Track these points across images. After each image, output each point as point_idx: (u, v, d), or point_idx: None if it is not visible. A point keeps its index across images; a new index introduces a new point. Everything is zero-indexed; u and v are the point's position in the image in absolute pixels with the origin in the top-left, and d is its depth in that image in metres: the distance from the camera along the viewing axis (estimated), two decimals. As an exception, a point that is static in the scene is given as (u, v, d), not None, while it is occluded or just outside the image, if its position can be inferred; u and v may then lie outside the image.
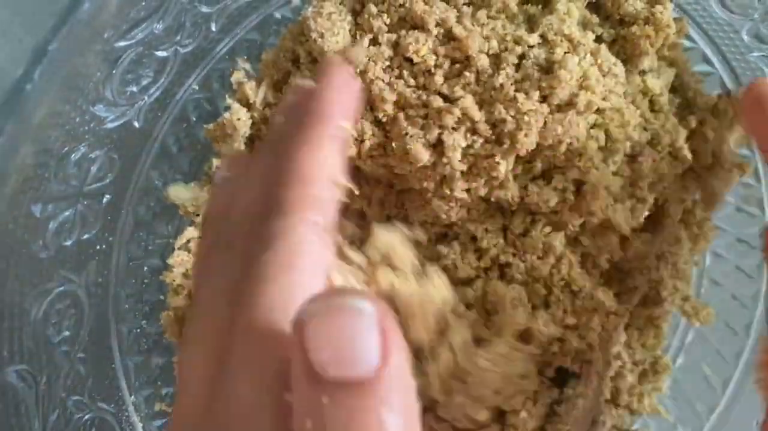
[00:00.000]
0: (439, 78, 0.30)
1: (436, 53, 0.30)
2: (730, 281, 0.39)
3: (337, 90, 0.28)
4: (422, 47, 0.30)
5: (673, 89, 0.37)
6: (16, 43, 0.36)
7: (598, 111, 0.32)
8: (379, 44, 0.31)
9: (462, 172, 0.30)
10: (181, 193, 0.40)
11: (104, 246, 0.41)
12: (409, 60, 0.30)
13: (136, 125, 0.40)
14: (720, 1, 0.41)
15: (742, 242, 0.42)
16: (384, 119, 0.30)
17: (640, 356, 0.34)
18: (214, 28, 0.42)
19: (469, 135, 0.30)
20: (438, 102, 0.29)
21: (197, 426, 0.20)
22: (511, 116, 0.29)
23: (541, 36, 0.31)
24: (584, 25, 0.34)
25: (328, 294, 0.17)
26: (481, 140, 0.30)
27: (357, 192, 0.27)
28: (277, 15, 0.44)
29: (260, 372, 0.19)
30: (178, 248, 0.42)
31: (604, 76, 0.31)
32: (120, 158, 0.40)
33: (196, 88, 0.43)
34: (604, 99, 0.31)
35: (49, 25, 0.36)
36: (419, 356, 0.27)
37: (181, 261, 0.41)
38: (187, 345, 0.23)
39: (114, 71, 0.38)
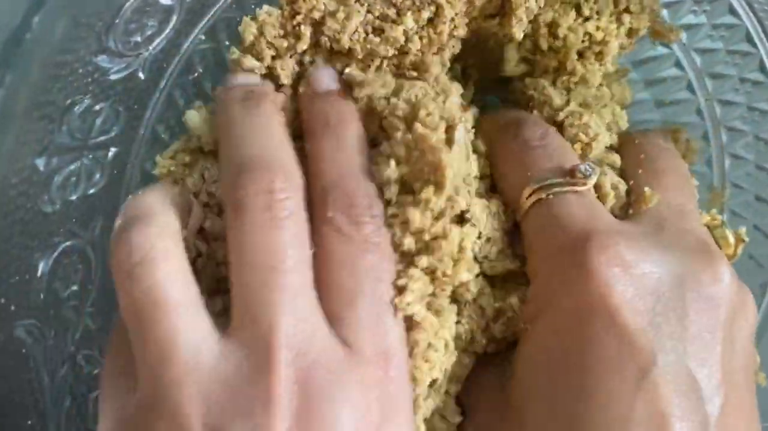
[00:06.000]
0: None
1: None
2: (748, 241, 0.39)
3: None
4: None
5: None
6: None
7: None
8: None
9: None
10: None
11: (111, 201, 0.40)
12: None
13: (141, 76, 0.39)
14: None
15: (760, 201, 0.41)
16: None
17: None
18: (220, -25, 0.40)
19: None
20: None
21: None
22: None
23: None
24: None
25: None
26: None
27: None
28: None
29: None
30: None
31: None
32: (125, 111, 0.39)
33: (203, 38, 0.42)
34: None
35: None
36: None
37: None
38: None
39: (117, 20, 0.37)
